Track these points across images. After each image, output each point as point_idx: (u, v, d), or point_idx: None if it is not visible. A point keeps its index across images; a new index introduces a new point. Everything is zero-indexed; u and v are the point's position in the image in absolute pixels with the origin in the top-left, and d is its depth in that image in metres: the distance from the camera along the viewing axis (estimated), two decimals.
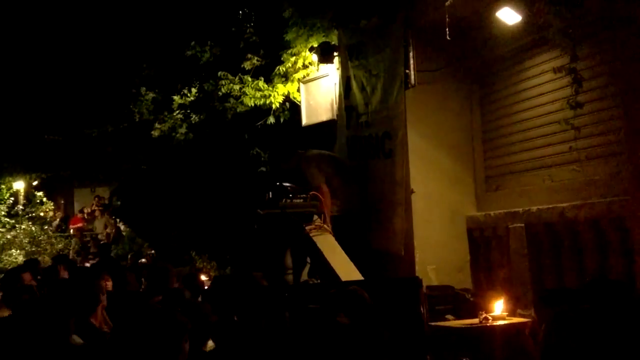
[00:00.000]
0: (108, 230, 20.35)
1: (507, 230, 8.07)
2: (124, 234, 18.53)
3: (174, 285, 6.48)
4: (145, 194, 14.24)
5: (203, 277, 11.34)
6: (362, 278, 7.09)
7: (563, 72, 6.93)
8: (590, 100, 7.09)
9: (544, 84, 7.93)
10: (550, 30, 6.87)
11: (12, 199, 18.22)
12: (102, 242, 19.12)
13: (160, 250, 14.59)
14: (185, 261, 13.07)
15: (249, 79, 10.43)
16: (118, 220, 19.04)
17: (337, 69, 9.30)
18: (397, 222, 8.21)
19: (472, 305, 7.45)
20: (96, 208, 20.99)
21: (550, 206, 7.57)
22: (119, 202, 17.16)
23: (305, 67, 9.84)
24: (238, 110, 10.82)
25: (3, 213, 17.50)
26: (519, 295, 7.68)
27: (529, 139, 8.21)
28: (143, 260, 14.64)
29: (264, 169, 11.37)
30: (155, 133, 12.65)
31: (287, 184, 7.94)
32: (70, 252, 18.66)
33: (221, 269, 12.32)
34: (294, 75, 10.00)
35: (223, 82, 10.59)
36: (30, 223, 17.88)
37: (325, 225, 7.71)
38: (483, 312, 6.67)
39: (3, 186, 18.12)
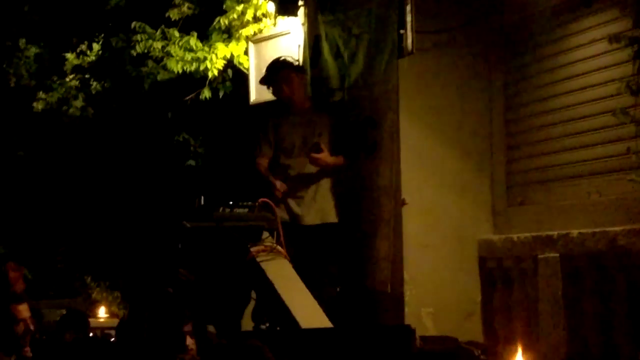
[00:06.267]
0: None
1: (536, 262, 8.09)
2: None
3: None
4: (21, 193, 14.07)
5: (102, 314, 11.29)
6: (329, 324, 7.08)
7: (622, 42, 6.95)
8: None
9: (593, 58, 7.93)
10: None
11: None
12: None
13: (39, 274, 14.43)
14: (76, 290, 12.95)
15: (176, 34, 10.38)
16: None
17: (303, 24, 9.30)
18: (381, 246, 8.22)
19: None
20: None
21: (597, 230, 7.58)
22: None
23: (257, 20, 9.82)
24: (159, 78, 10.77)
25: None
26: (549, 354, 7.70)
27: (570, 135, 8.23)
28: None
29: (193, 162, 11.32)
30: (39, 105, 12.53)
31: None
32: None
33: (127, 302, 12.23)
34: (240, 32, 9.97)
35: (139, 37, 10.52)
36: None
37: (279, 247, 7.69)
38: None
39: None
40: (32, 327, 7.05)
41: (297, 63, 8.70)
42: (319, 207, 8.28)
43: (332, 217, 8.31)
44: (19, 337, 6.86)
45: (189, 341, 7.46)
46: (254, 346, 5.37)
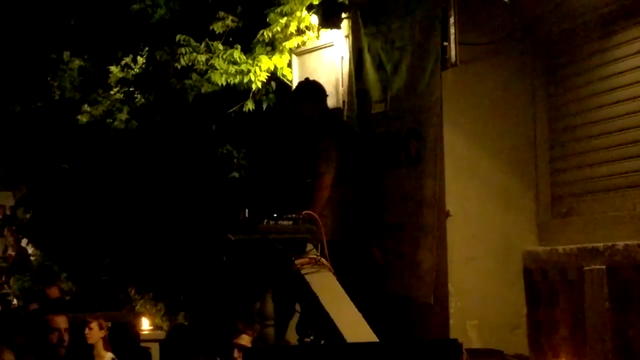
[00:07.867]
0: (10, 252, 20.34)
1: (582, 274, 8.06)
2: (32, 259, 18.47)
3: None
4: (66, 205, 14.18)
5: (145, 325, 11.32)
6: (374, 338, 7.05)
7: None
8: None
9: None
10: None
11: None
12: None
13: (83, 285, 14.52)
14: (120, 302, 13.01)
15: (220, 46, 10.40)
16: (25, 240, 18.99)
17: (346, 36, 9.34)
18: (424, 258, 8.20)
19: None
20: None
21: None
22: (27, 215, 17.10)
23: (300, 32, 9.83)
24: (203, 90, 10.79)
25: None
26: None
27: (616, 146, 8.21)
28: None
29: (237, 174, 11.35)
30: (84, 118, 12.61)
31: None
32: None
33: (171, 314, 12.27)
34: (284, 44, 9.99)
35: (183, 50, 10.55)
36: None
37: (323, 260, 7.69)
38: None
39: None
40: (65, 338, 7.11)
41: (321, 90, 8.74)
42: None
43: None
44: (53, 346, 6.93)
45: (237, 354, 7.50)
46: None
